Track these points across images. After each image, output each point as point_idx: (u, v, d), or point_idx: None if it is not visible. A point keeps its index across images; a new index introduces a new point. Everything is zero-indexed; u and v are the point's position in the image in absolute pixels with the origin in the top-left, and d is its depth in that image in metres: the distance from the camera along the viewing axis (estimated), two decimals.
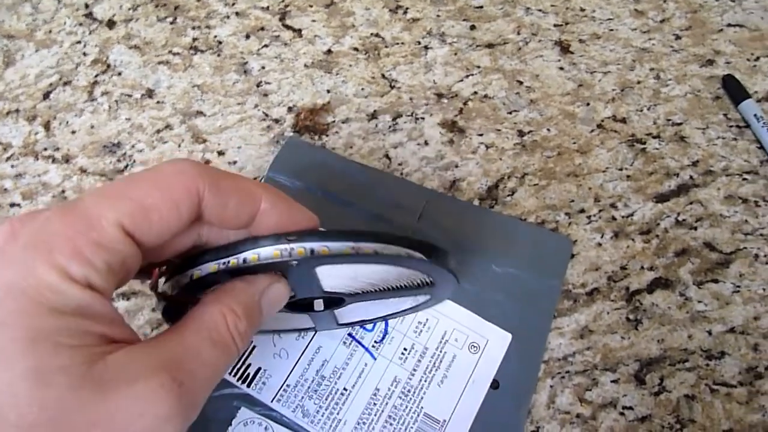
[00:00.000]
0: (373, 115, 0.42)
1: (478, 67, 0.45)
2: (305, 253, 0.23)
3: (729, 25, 0.48)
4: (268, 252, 0.24)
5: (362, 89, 0.43)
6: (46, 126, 0.40)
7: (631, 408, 0.34)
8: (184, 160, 0.23)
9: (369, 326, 0.35)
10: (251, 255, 0.24)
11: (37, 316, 0.19)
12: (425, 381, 0.33)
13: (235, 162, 0.40)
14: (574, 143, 0.42)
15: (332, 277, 0.27)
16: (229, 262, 0.24)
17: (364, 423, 0.32)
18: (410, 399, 0.33)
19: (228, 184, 0.23)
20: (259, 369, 0.33)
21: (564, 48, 0.46)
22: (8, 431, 0.18)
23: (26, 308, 0.19)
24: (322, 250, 0.24)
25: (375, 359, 0.34)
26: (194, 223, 0.23)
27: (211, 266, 0.24)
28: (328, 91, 0.43)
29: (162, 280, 0.26)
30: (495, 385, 0.34)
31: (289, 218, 0.25)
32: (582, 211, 0.39)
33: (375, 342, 0.34)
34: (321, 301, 0.30)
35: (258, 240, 0.24)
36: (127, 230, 0.21)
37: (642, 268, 0.38)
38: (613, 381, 0.35)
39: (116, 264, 0.21)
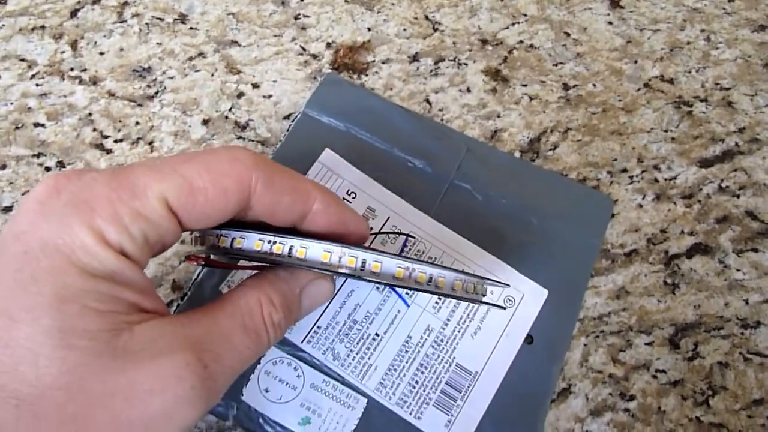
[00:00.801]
0: (415, 58, 0.40)
1: (525, 15, 0.43)
2: (355, 264, 0.22)
3: None
4: (316, 251, 0.22)
5: (404, 30, 0.41)
6: (73, 45, 0.38)
7: (664, 371, 0.33)
8: (242, 148, 0.23)
9: None
10: (299, 248, 0.22)
11: (68, 275, 0.19)
12: (458, 332, 0.33)
13: (270, 96, 0.38)
14: (620, 101, 0.40)
15: None
16: (274, 244, 0.23)
17: (395, 370, 0.32)
18: (443, 349, 0.32)
19: (283, 181, 0.23)
20: None
21: (614, 2, 0.44)
22: (24, 390, 0.18)
23: (58, 266, 0.19)
24: (374, 265, 0.22)
25: (408, 306, 0.33)
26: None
27: (256, 241, 0.23)
28: (369, 29, 0.41)
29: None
30: (529, 340, 0.33)
31: (340, 221, 0.25)
32: (624, 170, 0.38)
33: None
34: None
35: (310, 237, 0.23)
36: (171, 206, 0.20)
37: (682, 232, 0.37)
38: (647, 344, 0.34)
39: (153, 236, 0.20)
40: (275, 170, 0.23)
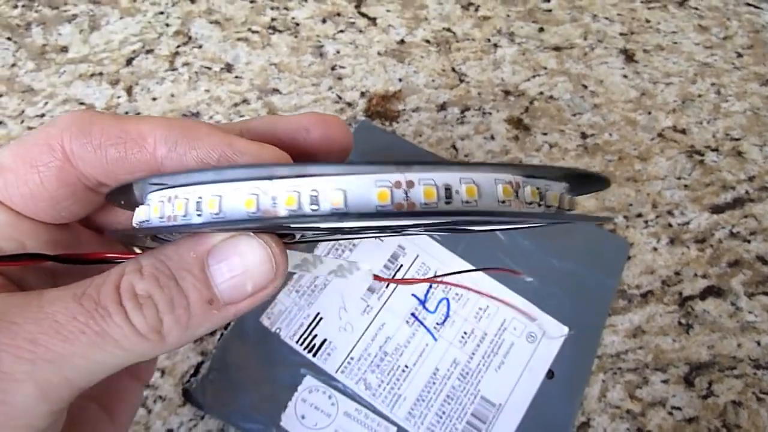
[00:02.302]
0: (442, 107, 0.43)
1: (545, 68, 0.46)
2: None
3: None
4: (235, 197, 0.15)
5: (433, 80, 0.44)
6: (128, 91, 0.42)
7: (679, 408, 0.35)
8: (68, 113, 0.18)
9: (431, 307, 0.36)
10: (210, 198, 0.15)
11: None
12: (483, 365, 0.35)
13: None
14: (635, 149, 0.43)
15: None
16: (174, 200, 0.16)
17: (423, 400, 0.33)
18: (468, 381, 0.34)
19: (105, 130, 0.17)
20: (325, 340, 0.35)
21: (628, 57, 0.47)
22: None
23: None
24: (292, 197, 0.14)
25: (436, 340, 0.35)
26: None
27: (155, 206, 0.16)
28: (400, 80, 0.44)
29: None
30: (550, 374, 0.35)
31: (210, 157, 0.17)
32: (639, 215, 0.40)
33: (437, 324, 0.35)
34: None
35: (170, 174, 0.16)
36: None
37: (695, 275, 0.39)
38: (663, 381, 0.36)
39: None
40: (95, 121, 0.17)
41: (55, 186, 0.18)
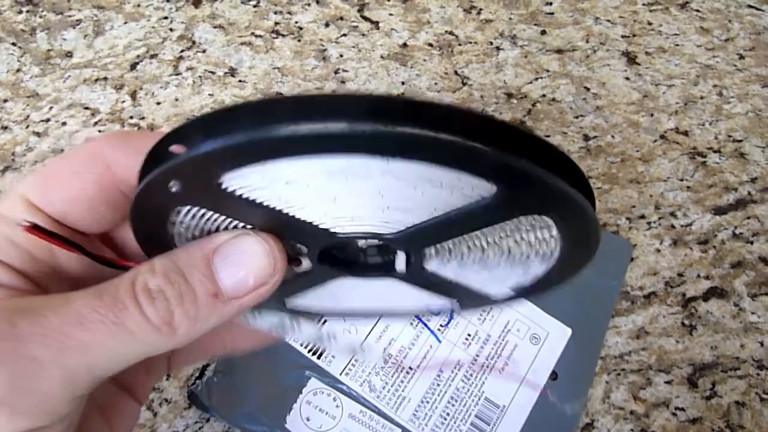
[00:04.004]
0: None
1: (547, 71, 0.46)
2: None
3: None
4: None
5: (435, 83, 0.44)
6: (133, 95, 0.42)
7: (683, 409, 0.35)
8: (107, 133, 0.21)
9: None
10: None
11: None
12: (487, 367, 0.35)
13: None
14: (637, 151, 0.43)
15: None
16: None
17: (427, 402, 0.34)
18: (472, 383, 0.34)
19: (139, 141, 0.19)
20: None
21: (631, 59, 0.47)
22: None
23: None
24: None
25: (440, 342, 0.35)
26: None
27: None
28: (403, 83, 0.44)
29: None
30: (554, 376, 0.35)
31: None
32: (642, 217, 0.41)
33: (440, 326, 0.36)
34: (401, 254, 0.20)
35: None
36: (33, 202, 0.19)
37: (698, 276, 0.39)
38: (666, 382, 0.36)
39: (17, 236, 0.19)
40: (130, 133, 0.20)
41: (94, 190, 0.19)
